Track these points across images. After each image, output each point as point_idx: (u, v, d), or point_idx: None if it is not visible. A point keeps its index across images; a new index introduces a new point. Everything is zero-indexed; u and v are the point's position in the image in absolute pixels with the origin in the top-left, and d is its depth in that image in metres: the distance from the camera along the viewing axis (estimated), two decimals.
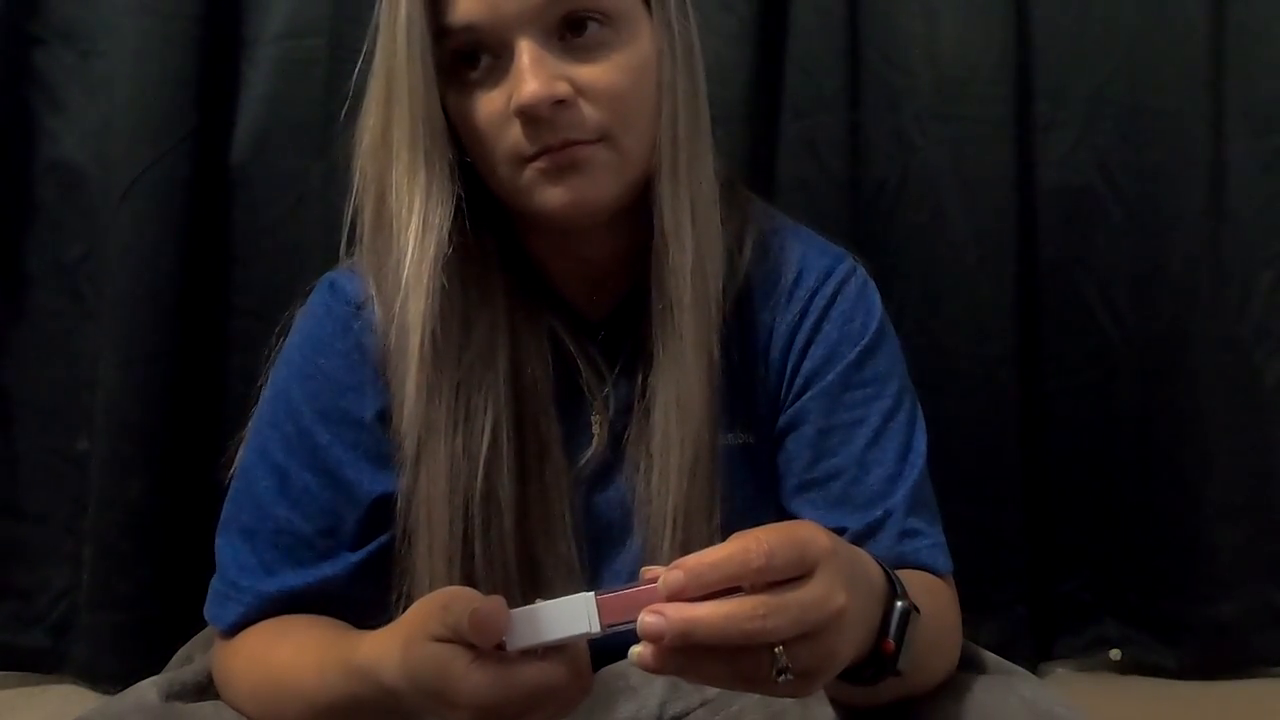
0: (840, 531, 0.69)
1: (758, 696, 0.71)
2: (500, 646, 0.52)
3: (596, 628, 0.49)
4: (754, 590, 0.47)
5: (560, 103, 0.64)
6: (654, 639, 0.46)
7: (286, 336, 0.76)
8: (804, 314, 0.75)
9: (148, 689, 0.69)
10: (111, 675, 1.16)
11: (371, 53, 0.69)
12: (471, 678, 0.51)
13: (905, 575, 0.59)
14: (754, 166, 1.20)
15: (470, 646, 0.52)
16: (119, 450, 1.18)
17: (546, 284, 0.74)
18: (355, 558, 0.71)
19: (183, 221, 1.19)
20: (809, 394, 0.74)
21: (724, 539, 0.48)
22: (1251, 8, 1.22)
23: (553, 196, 0.66)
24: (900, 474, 0.72)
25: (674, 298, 0.69)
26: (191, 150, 1.18)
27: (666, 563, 0.48)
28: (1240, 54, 1.22)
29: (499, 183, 0.68)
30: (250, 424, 0.75)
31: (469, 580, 0.67)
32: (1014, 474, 1.23)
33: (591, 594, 0.50)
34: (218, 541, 0.73)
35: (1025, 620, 1.23)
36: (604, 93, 0.66)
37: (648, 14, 0.69)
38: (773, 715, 0.68)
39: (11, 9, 1.21)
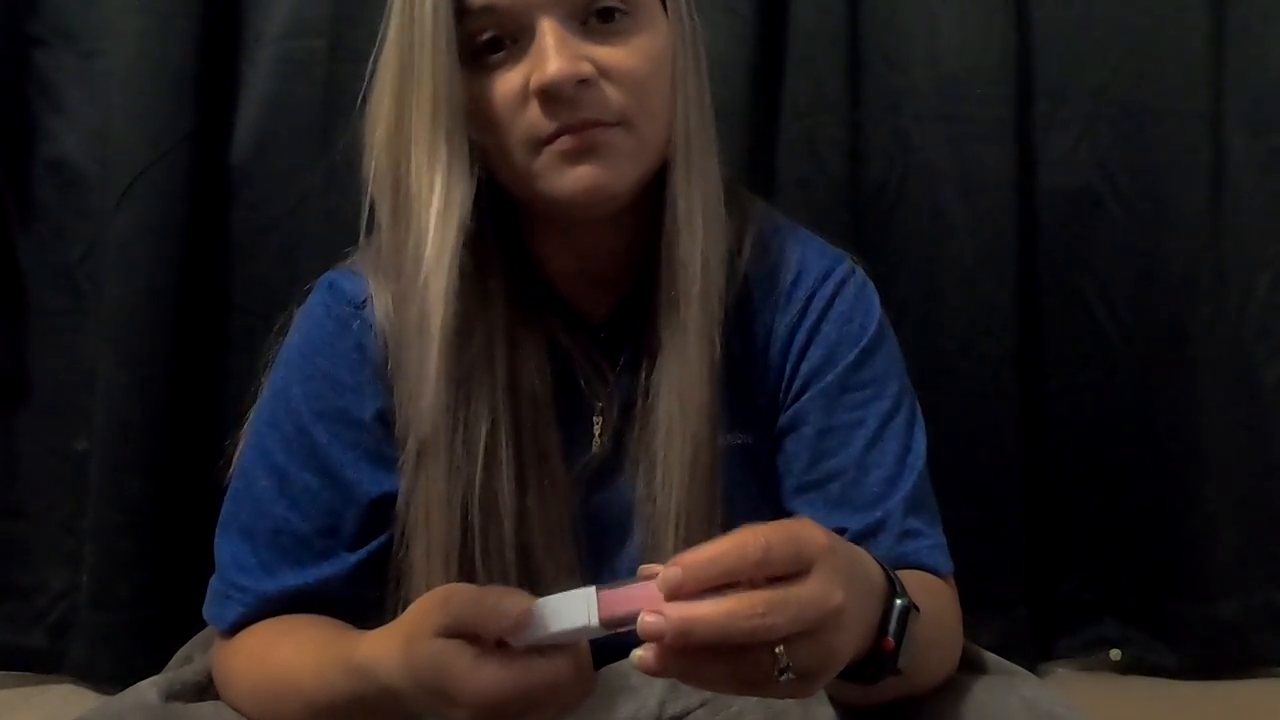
0: (840, 532, 0.69)
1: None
2: (503, 644, 0.52)
3: (596, 621, 0.50)
4: (752, 587, 0.46)
5: (583, 82, 0.64)
6: (654, 638, 0.46)
7: (285, 336, 0.76)
8: (803, 314, 0.75)
9: (147, 689, 0.69)
10: (111, 675, 1.16)
11: (384, 41, 0.69)
12: (475, 674, 0.51)
13: (905, 575, 0.59)
14: (754, 166, 1.20)
15: (473, 643, 0.52)
16: (119, 450, 1.18)
17: (546, 284, 0.74)
18: (354, 558, 0.71)
19: (183, 221, 1.19)
20: (808, 395, 0.74)
21: None
22: (1251, 8, 1.22)
23: (570, 180, 0.66)
24: (899, 475, 0.72)
25: (682, 289, 0.69)
26: (191, 150, 1.18)
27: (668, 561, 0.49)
28: (1240, 54, 1.22)
29: (512, 169, 0.67)
30: (249, 424, 0.75)
31: (468, 583, 0.67)
32: (1014, 474, 1.23)
33: (592, 589, 0.50)
34: (217, 541, 0.73)
35: (1025, 620, 1.23)
36: (626, 75, 0.66)
37: (663, 8, 0.69)
38: (773, 716, 0.68)
39: (11, 9, 1.21)
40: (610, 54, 0.65)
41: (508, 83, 0.65)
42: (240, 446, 0.75)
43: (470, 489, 0.68)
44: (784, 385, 0.75)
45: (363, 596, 0.70)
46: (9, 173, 1.23)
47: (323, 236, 1.17)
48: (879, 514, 0.71)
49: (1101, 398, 1.25)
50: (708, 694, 0.73)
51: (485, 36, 0.65)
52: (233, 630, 0.70)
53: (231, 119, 1.21)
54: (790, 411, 0.75)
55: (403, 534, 0.70)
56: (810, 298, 0.76)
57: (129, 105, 1.18)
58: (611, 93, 0.65)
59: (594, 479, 0.73)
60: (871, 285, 0.79)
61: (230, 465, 0.75)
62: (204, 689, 0.72)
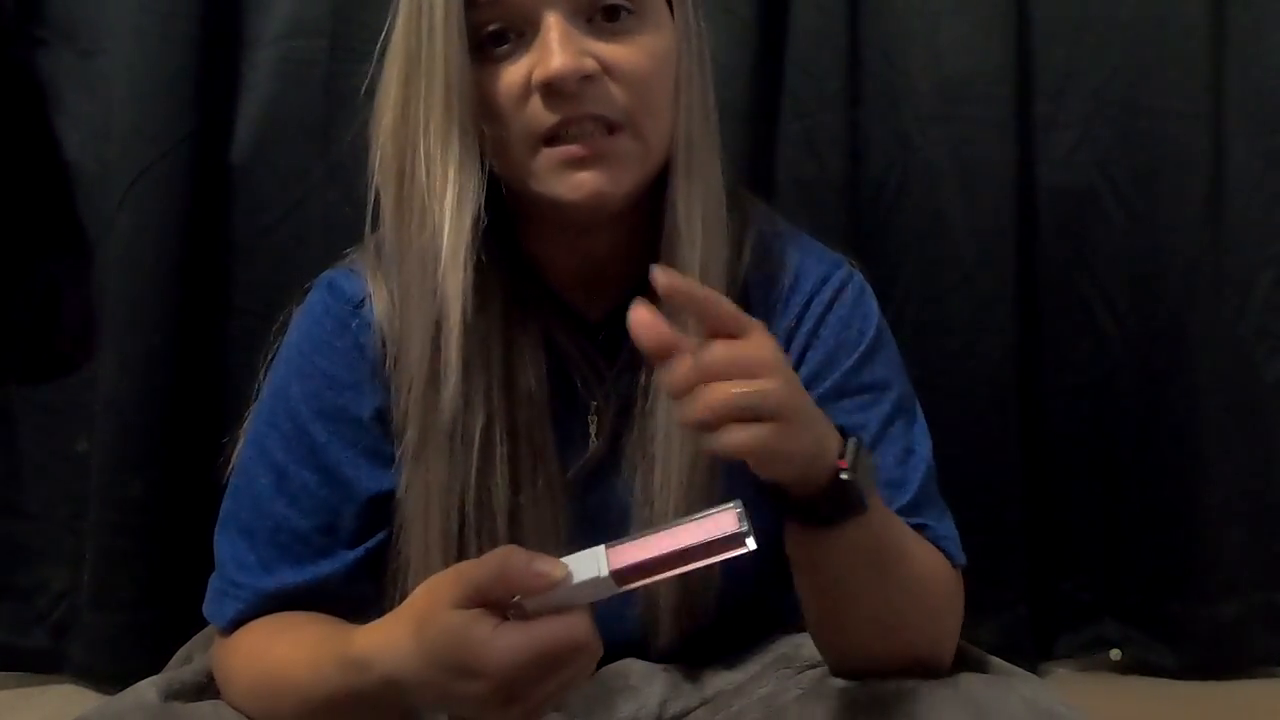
0: None
1: (757, 696, 0.71)
2: (517, 610, 0.52)
3: (606, 572, 0.51)
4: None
5: (586, 78, 0.64)
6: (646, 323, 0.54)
7: (285, 335, 0.77)
8: (800, 320, 0.75)
9: (147, 689, 0.69)
10: (111, 675, 1.16)
11: (391, 31, 0.69)
12: (497, 641, 0.52)
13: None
14: (754, 166, 1.20)
15: (489, 612, 0.52)
16: (119, 450, 1.18)
17: (543, 284, 0.74)
18: (353, 555, 0.71)
19: (183, 221, 1.19)
20: None
21: None
22: (1251, 8, 1.22)
23: (571, 185, 0.66)
24: (901, 479, 0.72)
25: None
26: (191, 150, 1.18)
27: None
28: (1240, 54, 1.22)
29: (510, 163, 0.67)
30: (248, 422, 0.76)
31: None
32: (1014, 474, 1.23)
33: (601, 546, 0.52)
34: (216, 539, 0.73)
35: (1025, 620, 1.23)
36: (631, 73, 0.66)
37: (669, 10, 0.69)
38: (772, 714, 0.68)
39: (12, 9, 1.21)
40: (615, 52, 0.66)
41: (511, 75, 0.65)
42: (239, 445, 0.76)
43: (466, 485, 0.68)
44: None
45: (361, 594, 0.70)
46: (9, 173, 1.23)
47: (323, 236, 1.17)
48: None
49: (1101, 398, 1.25)
50: (707, 694, 0.73)
51: (491, 28, 0.65)
52: (232, 627, 0.70)
53: (231, 119, 1.21)
54: None
55: (400, 531, 0.70)
56: (808, 303, 0.76)
57: (129, 105, 1.18)
58: (615, 90, 0.66)
59: (589, 479, 0.73)
60: (870, 289, 0.79)
61: (230, 464, 0.76)
62: (204, 689, 0.72)
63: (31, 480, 1.25)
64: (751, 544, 0.52)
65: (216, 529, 0.74)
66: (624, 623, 0.72)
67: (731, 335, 0.55)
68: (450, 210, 0.65)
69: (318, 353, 0.74)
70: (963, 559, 0.73)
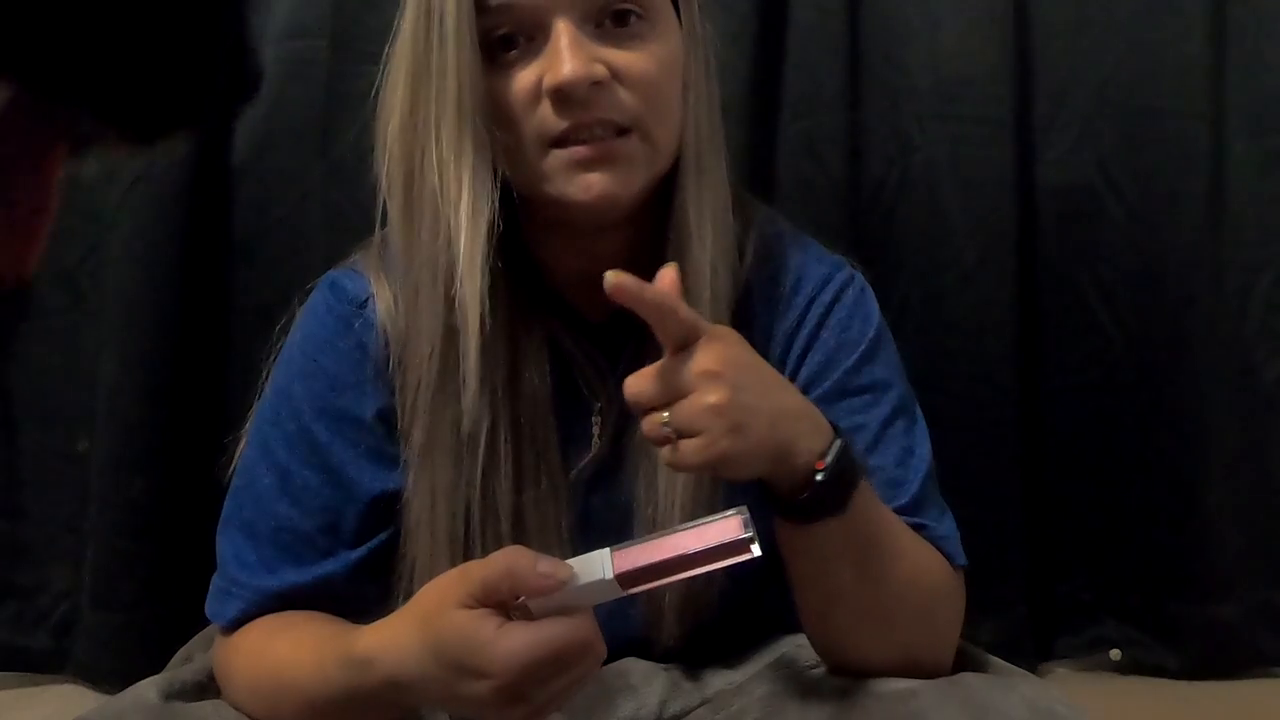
0: None
1: (757, 695, 0.71)
2: (521, 611, 0.53)
3: (611, 574, 0.52)
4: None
5: (596, 84, 0.64)
6: None
7: (287, 335, 0.77)
8: (801, 321, 0.76)
9: (147, 688, 0.69)
10: (112, 675, 1.16)
11: (399, 34, 0.69)
12: (503, 640, 0.52)
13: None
14: (754, 166, 1.20)
15: (495, 613, 0.53)
16: (120, 450, 1.18)
17: (547, 285, 0.74)
18: (355, 555, 0.71)
19: (183, 221, 1.19)
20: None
21: None
22: (1251, 8, 1.21)
23: (579, 187, 0.66)
24: (899, 479, 0.72)
25: (694, 294, 0.69)
26: (191, 150, 1.18)
27: None
28: (1240, 54, 1.22)
29: (522, 167, 0.68)
30: (251, 422, 0.76)
31: None
32: (1014, 474, 1.23)
33: (607, 549, 0.53)
34: (218, 538, 0.74)
35: (1025, 620, 1.23)
36: (639, 79, 0.66)
37: (676, 16, 0.70)
38: (772, 714, 0.68)
39: None
40: (624, 58, 0.66)
41: (521, 81, 0.66)
42: (242, 444, 0.76)
43: (471, 486, 0.68)
44: None
45: (363, 594, 0.71)
46: None
47: (323, 236, 1.17)
48: None
49: (1101, 398, 1.25)
50: (707, 693, 0.74)
51: (500, 33, 0.66)
52: (233, 627, 0.71)
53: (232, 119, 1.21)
54: None
55: (404, 532, 0.70)
56: (809, 304, 0.76)
57: None
58: (624, 96, 0.66)
59: (592, 480, 0.73)
60: (870, 291, 0.79)
61: (232, 463, 0.76)
62: (204, 688, 0.72)
63: (32, 480, 1.25)
64: (757, 550, 0.53)
65: (218, 528, 0.74)
66: (627, 622, 0.72)
67: (686, 342, 0.59)
68: (466, 217, 0.65)
69: (320, 353, 0.74)
70: (963, 559, 0.73)
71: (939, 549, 0.71)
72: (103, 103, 0.27)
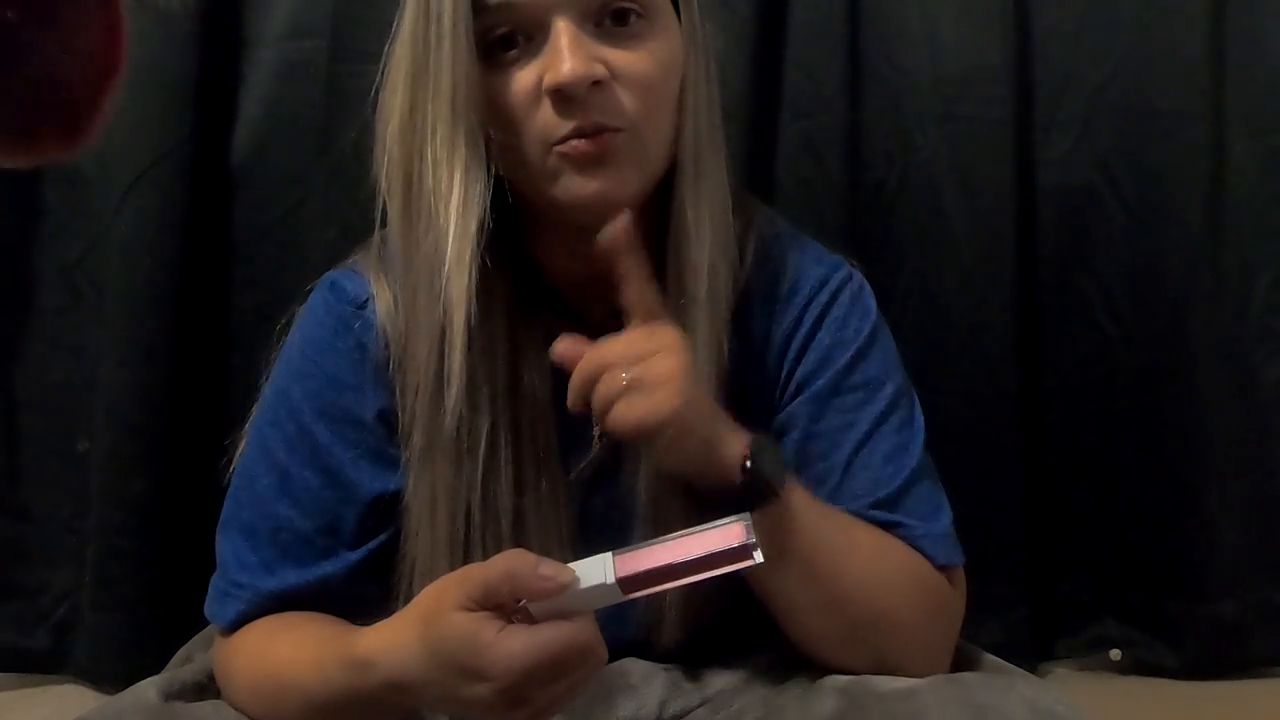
0: None
1: (757, 695, 0.71)
2: (522, 614, 0.53)
3: (612, 579, 0.52)
4: None
5: (596, 84, 0.64)
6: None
7: (287, 336, 0.77)
8: (799, 322, 0.76)
9: (147, 689, 0.69)
10: (113, 675, 1.16)
11: (398, 35, 0.69)
12: (504, 643, 0.52)
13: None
14: (753, 166, 1.20)
15: (496, 615, 0.53)
16: (120, 450, 1.18)
17: (548, 286, 0.74)
18: (355, 556, 0.71)
19: (183, 222, 1.19)
20: (799, 399, 0.74)
21: None
22: (1251, 8, 1.21)
23: (580, 186, 0.66)
24: (889, 476, 0.73)
25: (691, 294, 0.69)
26: (191, 150, 1.18)
27: None
28: (1240, 54, 1.21)
29: (524, 166, 0.68)
30: (251, 423, 0.76)
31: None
32: (1014, 474, 1.22)
33: (609, 554, 0.53)
34: (218, 539, 0.74)
35: (1025, 620, 1.23)
36: (638, 79, 0.66)
37: (676, 14, 0.69)
38: (772, 712, 0.68)
39: None
40: (623, 57, 0.66)
41: (521, 81, 0.66)
42: (242, 445, 0.76)
43: (472, 488, 0.68)
44: (779, 391, 0.76)
45: (363, 595, 0.71)
46: (9, 173, 1.23)
47: (323, 236, 1.17)
48: (855, 510, 0.72)
49: (1101, 398, 1.25)
50: (708, 693, 0.74)
51: (499, 33, 0.65)
52: (233, 628, 0.71)
53: (231, 119, 1.21)
54: (782, 416, 0.75)
55: (404, 534, 0.70)
56: (807, 305, 0.76)
57: (129, 106, 1.18)
58: (622, 96, 0.66)
59: (592, 481, 0.74)
60: (869, 289, 0.79)
61: (232, 464, 0.76)
62: (204, 688, 0.72)
63: (32, 480, 1.25)
64: (759, 556, 0.53)
65: (218, 529, 0.74)
66: (627, 622, 0.72)
67: (651, 315, 0.65)
68: (455, 213, 0.65)
69: (320, 353, 0.74)
70: (948, 559, 0.73)
71: (918, 548, 0.71)
72: None
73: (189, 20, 1.17)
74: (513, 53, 0.66)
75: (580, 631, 0.53)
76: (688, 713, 0.73)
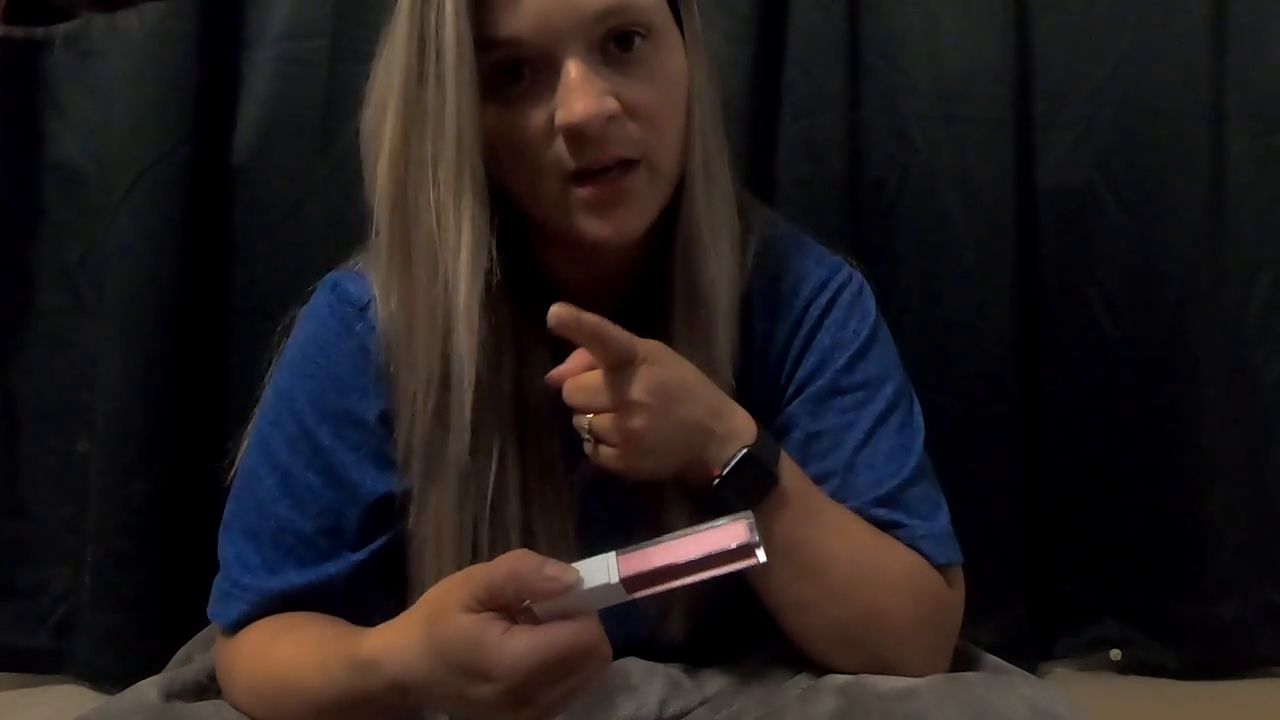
0: None
1: (757, 694, 0.71)
2: (527, 614, 0.53)
3: (616, 578, 0.52)
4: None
5: (609, 119, 0.63)
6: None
7: (288, 337, 0.77)
8: (799, 324, 0.76)
9: (147, 689, 0.69)
10: (113, 675, 1.16)
11: (387, 64, 0.66)
12: (508, 644, 0.52)
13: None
14: (754, 166, 1.20)
15: (500, 616, 0.53)
16: (120, 450, 1.18)
17: (553, 292, 0.74)
18: (357, 558, 0.71)
19: (183, 222, 1.19)
20: (799, 399, 0.75)
21: None
22: (1251, 8, 1.21)
23: (597, 228, 0.66)
24: (889, 476, 0.73)
25: (705, 302, 0.69)
26: (191, 150, 1.18)
27: None
28: (1240, 54, 1.22)
29: (539, 200, 0.67)
30: (252, 424, 0.76)
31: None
32: (1014, 474, 1.23)
33: (612, 553, 0.53)
34: (220, 540, 0.73)
35: (1025, 620, 1.23)
36: (649, 110, 0.66)
37: (677, 25, 0.69)
38: (771, 712, 0.68)
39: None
40: (633, 89, 0.65)
41: (533, 119, 0.64)
42: (243, 446, 0.76)
43: (480, 507, 0.68)
44: (779, 392, 0.76)
45: (365, 596, 0.70)
46: (10, 173, 1.23)
47: (323, 237, 1.17)
48: (856, 508, 0.72)
49: (1101, 398, 1.25)
50: (707, 693, 0.74)
51: (505, 67, 0.64)
52: (236, 628, 0.71)
53: (231, 119, 1.21)
54: (782, 417, 0.75)
55: (412, 549, 0.70)
56: (807, 306, 0.76)
57: (129, 105, 1.18)
58: (633, 128, 0.65)
59: (594, 482, 0.73)
60: (869, 290, 0.79)
61: (233, 465, 0.76)
62: (204, 688, 0.72)
63: (32, 480, 1.25)
64: (762, 556, 0.53)
65: (221, 530, 0.74)
66: (631, 619, 0.72)
67: (621, 362, 0.64)
68: (466, 269, 0.64)
69: (322, 355, 0.74)
70: (948, 558, 0.73)
71: (916, 548, 0.71)
72: None
73: (189, 20, 1.17)
74: (519, 86, 0.64)
75: (584, 631, 0.53)
76: (688, 712, 0.73)
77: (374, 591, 0.71)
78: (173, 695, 0.70)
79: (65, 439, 1.24)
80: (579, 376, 0.66)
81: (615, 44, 0.65)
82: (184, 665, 0.77)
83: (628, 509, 0.72)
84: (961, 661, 0.73)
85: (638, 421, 0.64)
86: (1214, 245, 1.22)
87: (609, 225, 0.66)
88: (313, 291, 0.77)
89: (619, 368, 0.64)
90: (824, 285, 0.77)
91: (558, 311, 0.61)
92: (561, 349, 0.72)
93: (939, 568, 0.72)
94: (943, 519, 0.74)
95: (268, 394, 0.76)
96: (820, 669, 0.70)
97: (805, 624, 0.70)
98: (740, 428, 0.68)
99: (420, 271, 0.66)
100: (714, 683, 0.74)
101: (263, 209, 1.22)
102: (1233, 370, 1.23)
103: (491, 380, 0.68)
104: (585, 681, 0.54)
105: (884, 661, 0.68)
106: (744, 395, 0.73)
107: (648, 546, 0.53)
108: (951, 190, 1.21)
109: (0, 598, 1.25)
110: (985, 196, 1.21)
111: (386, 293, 0.71)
